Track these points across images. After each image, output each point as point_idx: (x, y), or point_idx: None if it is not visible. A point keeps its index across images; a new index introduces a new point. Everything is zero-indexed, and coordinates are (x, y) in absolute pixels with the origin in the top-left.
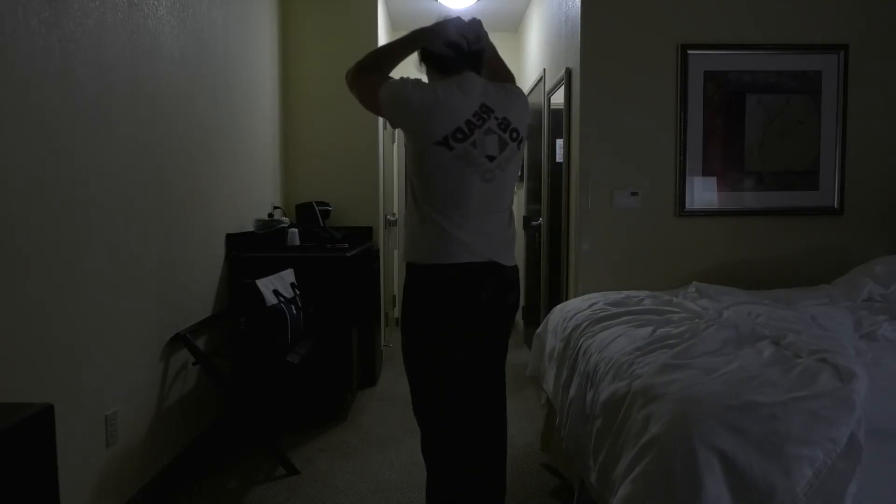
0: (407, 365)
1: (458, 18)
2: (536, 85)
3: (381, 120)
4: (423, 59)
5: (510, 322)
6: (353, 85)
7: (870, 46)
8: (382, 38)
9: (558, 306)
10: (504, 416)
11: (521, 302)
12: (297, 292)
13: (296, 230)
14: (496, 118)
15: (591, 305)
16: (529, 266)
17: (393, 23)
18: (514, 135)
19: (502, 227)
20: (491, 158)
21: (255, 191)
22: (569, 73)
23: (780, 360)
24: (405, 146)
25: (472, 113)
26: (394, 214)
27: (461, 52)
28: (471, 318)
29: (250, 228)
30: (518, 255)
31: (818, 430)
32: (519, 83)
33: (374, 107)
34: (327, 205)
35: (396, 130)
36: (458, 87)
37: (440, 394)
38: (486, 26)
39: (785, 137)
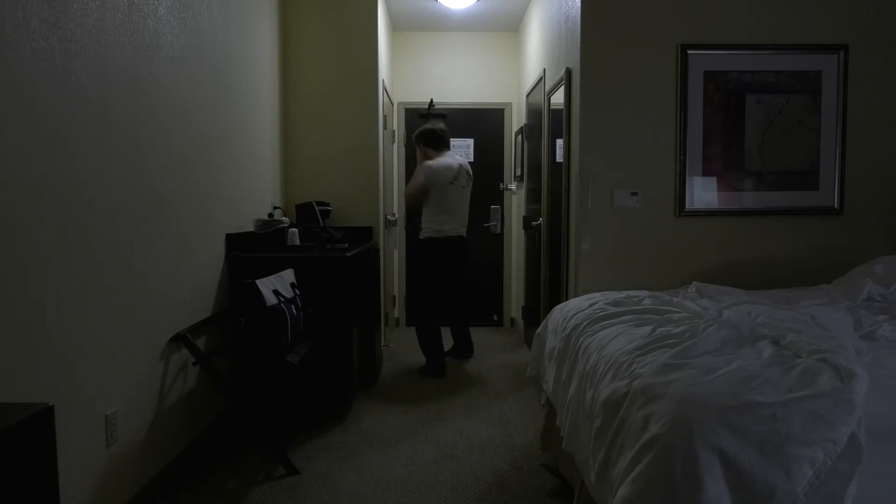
0: (429, 278)
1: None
2: (536, 85)
3: (381, 120)
4: (427, 145)
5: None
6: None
7: (870, 46)
8: (382, 38)
9: (558, 306)
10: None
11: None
12: (297, 292)
13: (296, 230)
14: (465, 170)
15: (591, 305)
16: (529, 266)
17: (393, 23)
18: (469, 176)
19: (464, 220)
20: (463, 187)
21: (255, 191)
22: (569, 73)
23: (780, 360)
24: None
25: (457, 168)
26: (394, 214)
27: (443, 142)
28: (461, 254)
29: (250, 228)
30: (518, 255)
31: (818, 431)
32: (519, 83)
33: (426, 192)
34: (327, 205)
35: (395, 130)
36: (447, 157)
37: (441, 288)
38: (486, 27)
39: (785, 137)
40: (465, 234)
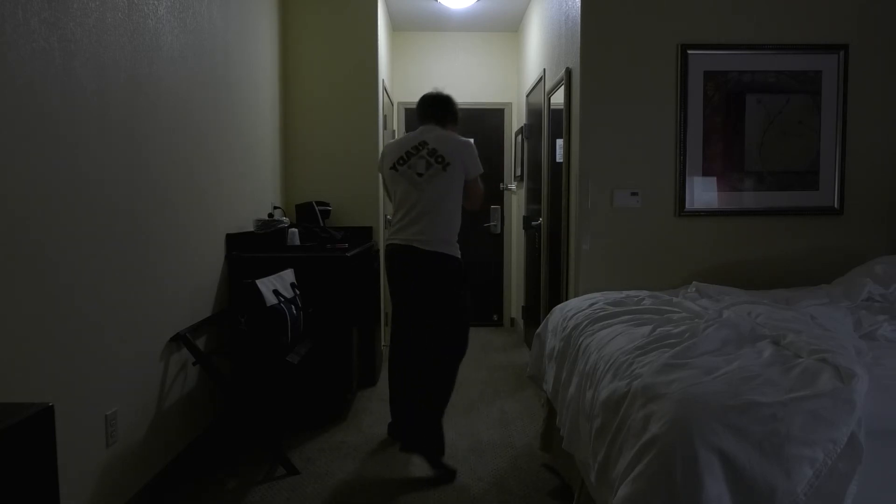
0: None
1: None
2: (536, 85)
3: (381, 120)
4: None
5: (430, 282)
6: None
7: (870, 46)
8: (382, 38)
9: (558, 306)
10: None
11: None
12: (297, 292)
13: (296, 230)
14: (428, 149)
15: (591, 305)
16: (529, 266)
17: (393, 23)
18: (440, 160)
19: (425, 224)
20: (419, 175)
21: (255, 191)
22: (569, 73)
23: (780, 360)
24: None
25: (412, 146)
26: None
27: (423, 112)
28: (398, 273)
29: (250, 228)
30: (518, 255)
31: (818, 431)
32: (519, 83)
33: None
34: (327, 205)
35: (395, 130)
36: (413, 132)
37: (395, 307)
38: (486, 27)
39: (785, 137)
40: (411, 244)
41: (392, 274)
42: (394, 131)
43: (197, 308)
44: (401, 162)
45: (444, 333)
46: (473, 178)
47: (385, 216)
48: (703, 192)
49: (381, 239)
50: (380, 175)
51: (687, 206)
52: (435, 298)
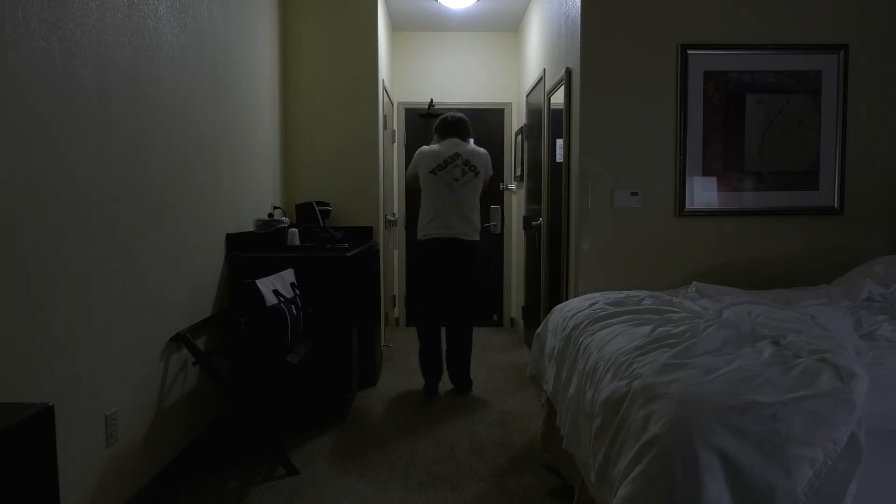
0: (417, 282)
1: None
2: (536, 85)
3: (381, 120)
4: (434, 131)
5: (464, 264)
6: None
7: (870, 46)
8: (382, 39)
9: (558, 306)
10: (462, 313)
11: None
12: (297, 292)
13: (296, 230)
14: (462, 160)
15: (591, 305)
16: (529, 266)
17: (393, 23)
18: (472, 168)
19: (462, 220)
20: (455, 180)
21: (255, 191)
22: (569, 73)
23: (780, 360)
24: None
25: (448, 156)
26: (394, 214)
27: (447, 129)
28: (439, 261)
29: (250, 228)
30: (518, 255)
31: (818, 431)
32: (519, 83)
33: (415, 178)
34: (327, 205)
35: (395, 130)
36: (444, 144)
37: (425, 292)
38: (486, 27)
39: (785, 137)
40: (456, 237)
41: (433, 259)
42: (393, 131)
43: (197, 308)
44: (439, 168)
45: (469, 297)
46: (489, 179)
47: (385, 216)
48: (703, 192)
49: (381, 239)
50: (407, 172)
51: (687, 206)
52: (470, 272)
